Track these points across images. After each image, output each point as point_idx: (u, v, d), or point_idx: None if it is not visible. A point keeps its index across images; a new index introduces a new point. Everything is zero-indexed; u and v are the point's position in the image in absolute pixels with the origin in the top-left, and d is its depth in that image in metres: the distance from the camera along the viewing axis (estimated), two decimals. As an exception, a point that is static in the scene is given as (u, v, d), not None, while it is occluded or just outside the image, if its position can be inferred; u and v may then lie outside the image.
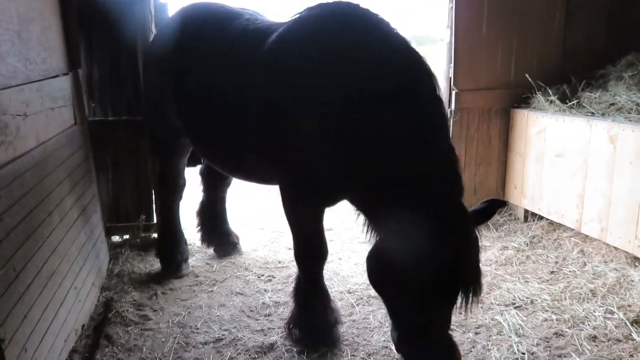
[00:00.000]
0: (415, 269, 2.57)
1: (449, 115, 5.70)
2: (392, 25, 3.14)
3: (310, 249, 3.59)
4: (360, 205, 3.22)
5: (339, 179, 3.16)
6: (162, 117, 4.39)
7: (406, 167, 2.80)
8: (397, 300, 2.81)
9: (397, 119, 2.85)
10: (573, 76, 5.66)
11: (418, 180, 2.75)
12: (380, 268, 2.83)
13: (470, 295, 2.67)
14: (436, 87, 2.98)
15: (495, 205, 2.83)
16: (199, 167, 5.15)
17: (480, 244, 2.74)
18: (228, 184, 5.15)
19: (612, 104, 5.04)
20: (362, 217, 3.21)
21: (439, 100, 2.97)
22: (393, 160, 2.84)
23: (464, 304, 2.68)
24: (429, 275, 2.55)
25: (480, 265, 2.74)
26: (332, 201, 3.51)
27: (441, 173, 2.79)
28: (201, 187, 5.19)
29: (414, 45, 3.09)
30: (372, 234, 3.07)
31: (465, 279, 2.63)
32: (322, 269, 3.69)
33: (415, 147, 2.82)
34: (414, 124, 2.84)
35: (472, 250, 2.66)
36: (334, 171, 3.15)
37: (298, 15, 3.44)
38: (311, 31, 3.31)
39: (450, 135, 3.10)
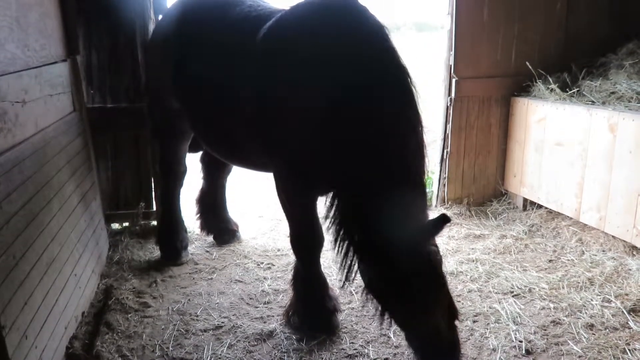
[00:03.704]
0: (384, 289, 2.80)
1: (448, 104, 5.70)
2: (382, 26, 3.13)
3: (304, 236, 3.62)
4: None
5: (322, 167, 3.18)
6: (162, 101, 4.40)
7: (360, 173, 2.89)
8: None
9: (353, 125, 2.92)
10: (574, 64, 5.63)
11: (373, 188, 2.83)
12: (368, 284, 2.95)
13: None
14: (406, 98, 2.98)
15: (441, 223, 2.67)
16: (199, 153, 5.14)
17: (439, 256, 2.79)
18: (228, 172, 5.15)
19: (613, 93, 5.02)
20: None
21: (402, 109, 2.96)
22: (348, 161, 2.94)
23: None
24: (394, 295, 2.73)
25: (439, 277, 2.76)
26: (321, 189, 3.51)
27: (395, 183, 2.83)
28: (201, 174, 5.19)
29: (396, 48, 3.08)
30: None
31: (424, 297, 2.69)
32: (318, 256, 3.71)
33: (365, 156, 2.88)
34: (366, 131, 2.89)
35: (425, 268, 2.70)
36: (317, 159, 3.18)
37: (295, 4, 3.45)
38: (300, 23, 3.33)
39: (425, 145, 3.06)
